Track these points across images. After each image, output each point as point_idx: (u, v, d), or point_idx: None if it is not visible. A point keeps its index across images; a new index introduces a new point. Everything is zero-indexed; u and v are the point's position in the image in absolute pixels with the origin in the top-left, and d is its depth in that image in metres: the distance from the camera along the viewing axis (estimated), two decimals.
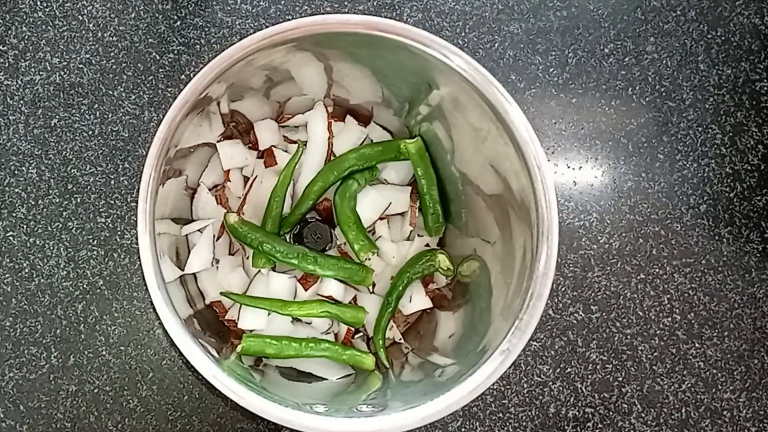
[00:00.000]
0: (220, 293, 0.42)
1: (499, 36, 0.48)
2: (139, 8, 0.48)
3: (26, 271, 0.45)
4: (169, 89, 0.47)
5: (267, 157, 0.43)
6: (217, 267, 0.42)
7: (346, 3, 0.49)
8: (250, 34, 0.34)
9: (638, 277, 0.47)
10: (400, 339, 0.44)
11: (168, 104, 0.47)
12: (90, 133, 0.47)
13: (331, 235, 0.43)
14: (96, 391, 0.45)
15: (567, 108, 0.48)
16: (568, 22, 0.49)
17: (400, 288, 0.42)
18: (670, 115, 0.48)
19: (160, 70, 0.47)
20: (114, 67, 0.47)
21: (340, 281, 0.42)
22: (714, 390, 0.46)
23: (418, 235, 0.44)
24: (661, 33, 0.49)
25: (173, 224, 0.40)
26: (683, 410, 0.46)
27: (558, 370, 0.46)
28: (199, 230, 0.42)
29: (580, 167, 0.48)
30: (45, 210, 0.46)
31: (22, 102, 0.47)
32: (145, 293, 0.45)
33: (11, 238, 0.46)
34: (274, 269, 0.43)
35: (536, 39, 0.48)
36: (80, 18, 0.48)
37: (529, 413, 0.46)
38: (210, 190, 0.43)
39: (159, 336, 0.45)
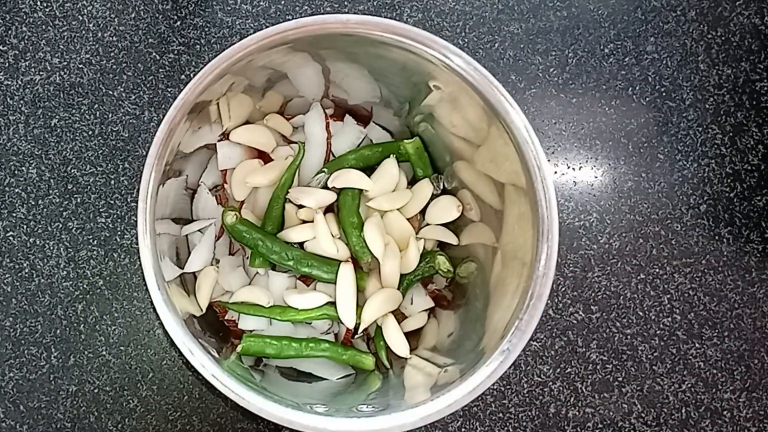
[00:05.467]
0: (218, 301, 0.42)
1: (499, 36, 0.48)
2: (139, 8, 0.48)
3: (26, 271, 0.45)
4: (169, 89, 0.47)
5: (267, 158, 0.43)
6: (217, 267, 0.42)
7: (346, 3, 0.49)
8: (250, 34, 0.34)
9: (638, 277, 0.47)
10: None
11: (168, 104, 0.47)
12: (90, 133, 0.47)
13: None
14: (96, 391, 0.45)
15: (567, 108, 0.48)
16: (568, 22, 0.49)
17: (401, 290, 0.42)
18: (670, 115, 0.48)
19: (160, 70, 0.47)
20: (114, 67, 0.47)
21: None
22: (714, 390, 0.46)
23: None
24: (661, 33, 0.49)
25: (173, 224, 0.41)
26: (683, 410, 0.46)
27: (558, 370, 0.46)
28: (199, 230, 0.42)
29: (580, 167, 0.48)
30: (45, 210, 0.46)
31: (22, 102, 0.47)
32: (145, 293, 0.45)
33: (11, 238, 0.46)
34: (274, 269, 0.43)
35: (536, 39, 0.49)
36: (80, 18, 0.48)
37: (529, 413, 0.46)
38: (210, 190, 0.43)
39: (159, 336, 0.45)
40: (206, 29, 0.48)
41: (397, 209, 0.42)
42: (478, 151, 0.38)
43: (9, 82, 0.47)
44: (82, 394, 0.45)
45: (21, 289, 0.45)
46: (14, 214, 0.46)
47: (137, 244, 0.34)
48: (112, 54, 0.47)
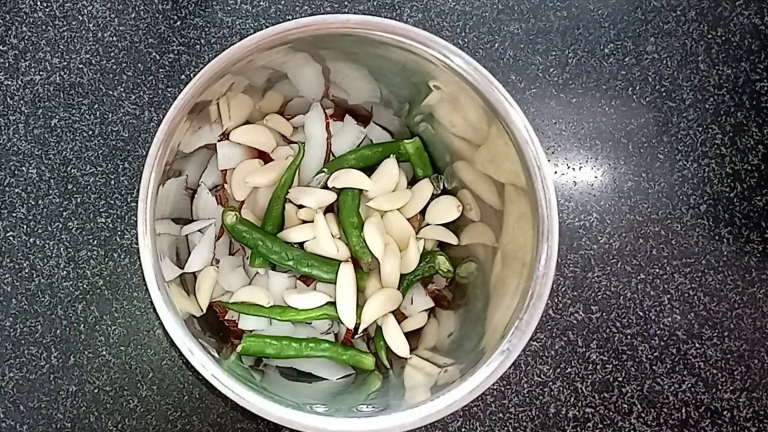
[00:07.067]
0: (218, 301, 0.42)
1: (499, 36, 0.48)
2: (139, 8, 0.48)
3: (26, 271, 0.45)
4: (169, 89, 0.47)
5: (267, 158, 0.43)
6: (217, 267, 0.42)
7: (346, 3, 0.49)
8: (250, 34, 0.34)
9: (638, 277, 0.47)
10: None
11: (168, 104, 0.47)
12: (90, 133, 0.47)
13: None
14: (96, 391, 0.45)
15: (567, 108, 0.48)
16: (568, 22, 0.49)
17: (401, 290, 0.42)
18: (670, 115, 0.48)
19: (160, 70, 0.47)
20: (114, 67, 0.47)
21: None
22: (714, 390, 0.46)
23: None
24: (661, 33, 0.49)
25: (173, 224, 0.41)
26: (683, 410, 0.46)
27: (558, 370, 0.46)
28: (199, 230, 0.42)
29: (580, 167, 0.48)
30: (45, 210, 0.46)
31: (22, 102, 0.47)
32: (145, 293, 0.45)
33: (11, 238, 0.46)
34: (274, 269, 0.43)
35: (536, 39, 0.49)
36: (80, 18, 0.48)
37: (529, 413, 0.46)
38: (210, 190, 0.43)
39: (159, 336, 0.45)
40: (206, 29, 0.48)
41: (397, 209, 0.42)
42: (478, 151, 0.38)
43: (9, 82, 0.47)
44: (82, 394, 0.45)
45: (21, 289, 0.45)
46: (14, 214, 0.46)
47: (137, 244, 0.34)
48: (112, 54, 0.47)
